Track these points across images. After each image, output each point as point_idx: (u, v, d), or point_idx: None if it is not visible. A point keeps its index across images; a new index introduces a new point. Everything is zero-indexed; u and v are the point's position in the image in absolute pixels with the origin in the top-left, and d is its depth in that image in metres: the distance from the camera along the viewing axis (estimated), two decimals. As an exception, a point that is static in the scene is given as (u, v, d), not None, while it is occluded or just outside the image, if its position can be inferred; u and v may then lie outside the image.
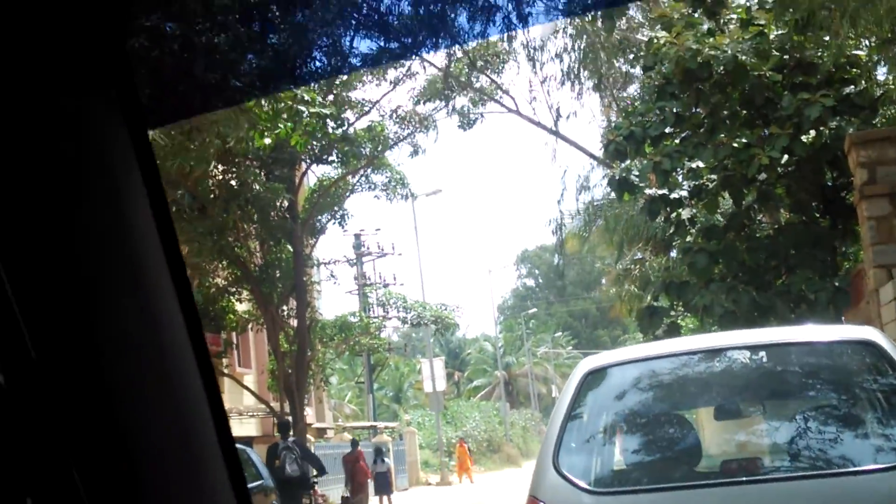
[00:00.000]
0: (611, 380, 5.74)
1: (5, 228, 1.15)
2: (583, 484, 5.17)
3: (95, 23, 1.25)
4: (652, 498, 5.19)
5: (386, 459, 32.68)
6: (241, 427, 30.50)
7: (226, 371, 29.42)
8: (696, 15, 16.98)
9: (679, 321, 21.68)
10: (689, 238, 17.70)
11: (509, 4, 1.84)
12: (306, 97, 17.94)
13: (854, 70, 16.32)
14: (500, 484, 42.74)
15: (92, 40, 1.24)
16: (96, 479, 1.18)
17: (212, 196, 25.01)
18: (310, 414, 34.24)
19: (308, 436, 31.23)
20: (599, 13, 19.36)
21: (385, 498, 30.96)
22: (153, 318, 1.26)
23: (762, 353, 5.65)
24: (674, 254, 22.80)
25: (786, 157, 15.99)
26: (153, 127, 1.34)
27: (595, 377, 5.65)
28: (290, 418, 28.35)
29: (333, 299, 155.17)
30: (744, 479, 5.19)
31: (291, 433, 22.32)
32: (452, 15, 1.83)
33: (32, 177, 1.18)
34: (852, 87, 15.82)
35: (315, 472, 20.20)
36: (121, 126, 1.26)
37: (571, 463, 5.28)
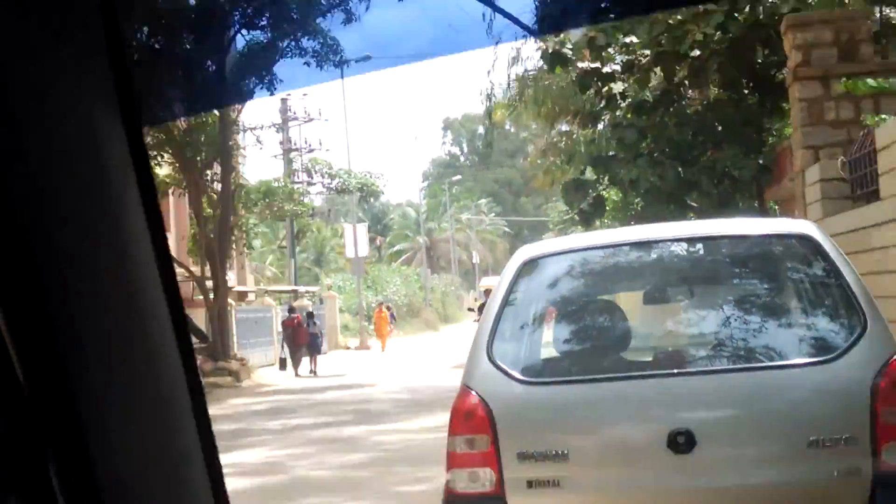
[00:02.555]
0: (547, 269, 5.66)
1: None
2: (515, 373, 5.12)
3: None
4: (581, 388, 5.17)
5: (317, 321, 33.22)
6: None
7: (145, 234, 29.00)
8: None
9: (604, 194, 21.79)
10: (619, 112, 17.65)
11: None
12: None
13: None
14: (415, 348, 43.29)
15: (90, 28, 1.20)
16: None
17: (136, 57, 24.27)
18: (231, 278, 34.12)
19: (229, 300, 31.18)
20: None
21: (313, 358, 31.84)
22: (140, 312, 1.23)
23: (698, 245, 5.61)
24: (602, 127, 22.78)
25: (719, 34, 15.88)
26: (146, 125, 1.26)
27: (531, 266, 5.57)
28: (210, 282, 28.28)
29: (258, 164, 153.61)
30: (673, 371, 5.18)
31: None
32: None
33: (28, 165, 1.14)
34: (788, -36, 15.65)
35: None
36: (117, 122, 1.21)
37: (504, 352, 5.22)
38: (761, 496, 4.78)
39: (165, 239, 1.27)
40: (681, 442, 4.75)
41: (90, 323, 1.17)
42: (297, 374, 31.08)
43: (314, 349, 32.16)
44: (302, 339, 31.49)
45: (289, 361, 31.40)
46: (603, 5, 15.97)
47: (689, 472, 4.79)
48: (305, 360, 31.81)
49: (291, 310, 33.32)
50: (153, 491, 1.23)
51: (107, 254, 1.20)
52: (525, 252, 5.72)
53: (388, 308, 53.91)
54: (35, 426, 1.15)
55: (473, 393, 5.08)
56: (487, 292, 23.70)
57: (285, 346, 31.77)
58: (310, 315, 33.31)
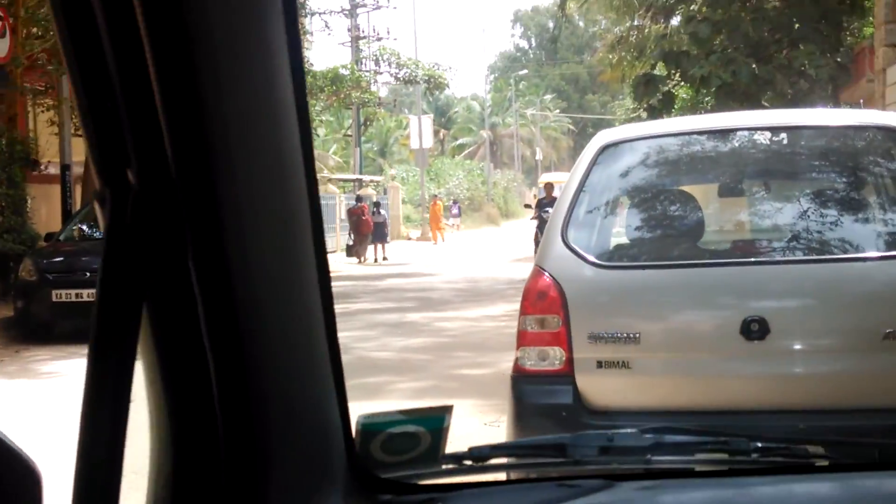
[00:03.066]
0: (625, 155, 5.59)
1: None
2: (589, 256, 5.12)
3: None
4: (655, 274, 5.16)
5: (383, 211, 34.12)
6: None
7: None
8: None
9: (674, 91, 21.46)
10: (693, 6, 17.28)
11: None
12: None
13: None
14: (476, 241, 43.37)
15: None
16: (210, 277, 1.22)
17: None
18: (296, 164, 34.16)
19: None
20: None
21: (381, 245, 32.91)
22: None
23: (782, 135, 5.51)
24: (675, 22, 22.33)
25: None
26: None
27: (610, 151, 5.51)
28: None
29: (326, 51, 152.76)
30: (748, 259, 5.14)
31: None
32: None
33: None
34: None
35: None
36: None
37: (579, 236, 5.21)
38: (835, 385, 4.76)
39: (312, 154, 1.32)
40: (754, 329, 4.73)
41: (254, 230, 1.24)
42: (361, 261, 31.82)
43: (381, 237, 32.84)
44: (367, 227, 32.11)
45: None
46: None
47: (761, 360, 4.78)
48: (371, 248, 32.63)
49: (359, 199, 33.88)
50: (293, 371, 1.34)
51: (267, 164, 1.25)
52: (604, 136, 5.66)
53: (455, 202, 54.20)
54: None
55: (546, 274, 5.09)
56: (548, 186, 23.57)
57: (351, 233, 32.47)
58: (376, 204, 33.72)
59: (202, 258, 1.20)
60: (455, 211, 55.73)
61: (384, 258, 32.37)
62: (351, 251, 32.25)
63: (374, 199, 35.56)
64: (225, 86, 1.18)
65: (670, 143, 5.69)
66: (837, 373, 4.76)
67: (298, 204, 1.29)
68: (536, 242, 19.60)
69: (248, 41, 1.21)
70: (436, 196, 47.54)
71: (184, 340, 1.23)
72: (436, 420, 1.54)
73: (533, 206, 24.28)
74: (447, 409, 1.55)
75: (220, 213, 1.20)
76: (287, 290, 1.30)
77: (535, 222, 21.19)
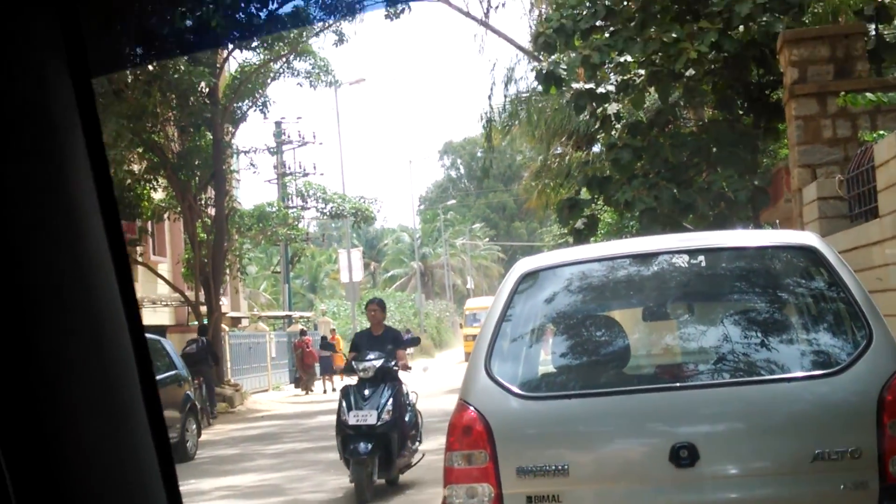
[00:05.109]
0: (545, 282, 5.56)
1: None
2: (513, 388, 5.03)
3: None
4: (581, 403, 5.07)
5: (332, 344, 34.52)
6: (155, 316, 30.17)
7: (140, 259, 28.95)
8: None
9: (598, 215, 21.72)
10: (613, 133, 17.58)
11: None
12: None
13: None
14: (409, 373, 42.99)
15: None
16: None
17: (130, 80, 24.24)
18: (225, 303, 33.98)
19: (223, 325, 31.04)
20: None
21: (329, 378, 34.49)
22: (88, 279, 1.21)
23: (700, 258, 5.50)
24: (597, 149, 22.72)
25: (714, 52, 15.86)
26: (95, 75, 1.21)
27: (529, 279, 5.47)
28: (204, 307, 28.14)
29: (252, 188, 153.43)
30: (675, 384, 5.08)
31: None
32: None
33: None
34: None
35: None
36: (64, 72, 1.17)
37: (503, 367, 5.13)
38: None
39: (118, 219, 1.25)
40: (683, 456, 4.66)
41: (45, 319, 1.15)
42: (307, 393, 33.82)
43: (329, 370, 33.97)
44: (312, 358, 34.68)
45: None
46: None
47: (691, 487, 4.69)
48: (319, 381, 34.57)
49: (303, 332, 36.23)
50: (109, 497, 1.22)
51: (64, 251, 1.17)
52: (524, 265, 5.63)
53: (408, 331, 54.06)
54: None
55: (471, 408, 4.98)
56: (472, 317, 23.59)
57: (297, 366, 35.04)
58: (323, 339, 33.58)
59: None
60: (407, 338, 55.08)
61: (333, 389, 32.76)
62: (298, 383, 34.46)
63: (322, 336, 35.88)
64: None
65: (591, 268, 5.67)
66: (769, 497, 4.67)
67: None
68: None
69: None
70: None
71: None
72: None
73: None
74: None
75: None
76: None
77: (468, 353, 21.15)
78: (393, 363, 11.98)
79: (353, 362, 11.96)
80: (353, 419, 11.39)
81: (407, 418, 12.18)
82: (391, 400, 11.65)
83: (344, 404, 11.65)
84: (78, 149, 1.17)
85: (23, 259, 1.12)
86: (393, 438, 11.59)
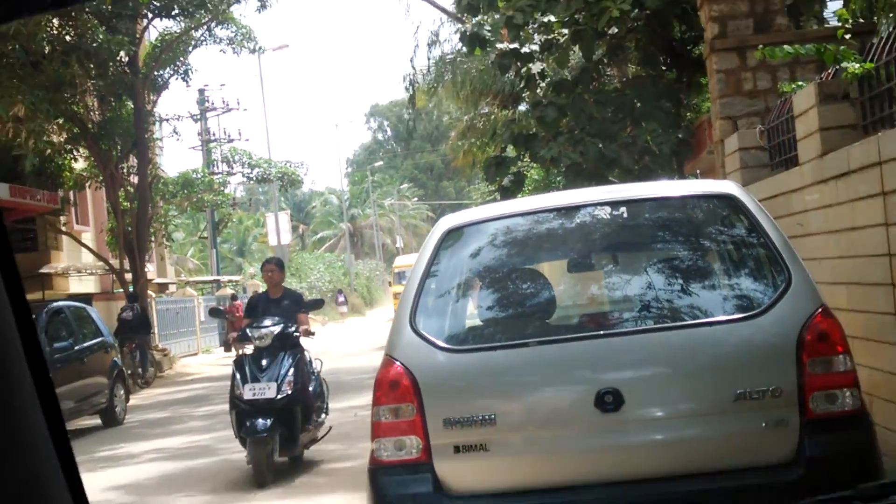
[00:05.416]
0: (470, 238, 5.58)
1: None
2: (439, 342, 5.06)
3: None
4: (506, 354, 5.10)
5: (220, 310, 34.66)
6: (81, 284, 29.78)
7: (63, 229, 28.52)
8: None
9: (525, 171, 21.82)
10: (539, 92, 17.60)
11: None
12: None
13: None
14: (340, 333, 43.10)
15: None
16: None
17: (48, 50, 23.78)
18: (151, 270, 33.64)
19: (149, 292, 30.75)
20: None
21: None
22: None
23: (621, 209, 5.56)
24: (522, 107, 22.77)
25: (636, 10, 15.92)
26: None
27: (453, 235, 5.49)
28: (129, 275, 27.85)
29: (177, 156, 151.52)
30: (599, 332, 5.13)
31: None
32: None
33: None
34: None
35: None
36: None
37: (428, 321, 5.15)
38: (690, 450, 4.77)
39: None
40: (608, 401, 4.72)
41: None
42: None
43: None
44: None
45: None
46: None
47: (617, 430, 4.76)
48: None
49: (234, 297, 35.49)
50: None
51: None
52: (447, 221, 5.64)
53: (340, 291, 55.22)
54: None
55: (397, 363, 5.01)
56: (400, 275, 23.61)
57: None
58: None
59: None
60: (341, 299, 57.73)
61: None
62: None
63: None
64: None
65: (516, 223, 5.70)
66: (693, 437, 4.76)
67: None
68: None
69: None
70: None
71: None
72: None
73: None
74: None
75: None
76: None
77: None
78: (293, 329, 10.97)
79: (248, 329, 10.94)
80: (249, 393, 10.40)
81: (311, 388, 11.15)
82: (292, 370, 10.63)
83: (238, 377, 10.64)
84: None
85: None
86: (296, 413, 10.62)
